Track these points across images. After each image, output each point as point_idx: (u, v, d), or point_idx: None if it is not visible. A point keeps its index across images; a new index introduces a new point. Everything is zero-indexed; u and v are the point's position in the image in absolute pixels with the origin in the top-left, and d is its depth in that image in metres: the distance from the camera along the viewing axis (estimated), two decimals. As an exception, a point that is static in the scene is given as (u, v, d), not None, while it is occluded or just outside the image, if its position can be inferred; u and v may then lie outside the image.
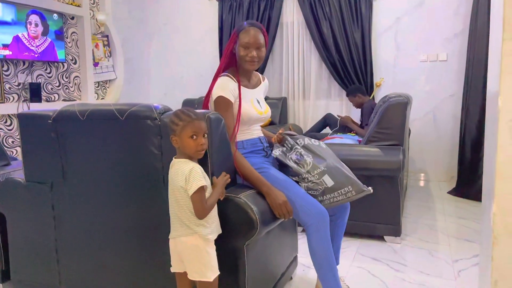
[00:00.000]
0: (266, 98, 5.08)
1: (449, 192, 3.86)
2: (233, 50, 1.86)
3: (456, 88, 4.19)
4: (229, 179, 1.54)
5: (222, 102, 1.76)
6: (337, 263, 2.00)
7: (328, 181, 1.74)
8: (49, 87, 4.35)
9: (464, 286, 2.07)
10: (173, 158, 1.46)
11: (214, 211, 1.46)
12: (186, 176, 1.37)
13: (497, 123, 1.09)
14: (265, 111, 1.94)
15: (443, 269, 2.26)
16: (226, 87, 1.78)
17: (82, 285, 1.80)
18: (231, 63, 1.89)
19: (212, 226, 1.44)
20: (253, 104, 1.88)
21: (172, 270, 1.48)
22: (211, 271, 1.41)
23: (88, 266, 1.77)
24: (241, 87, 1.85)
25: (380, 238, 2.68)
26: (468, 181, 3.79)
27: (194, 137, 1.39)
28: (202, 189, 1.37)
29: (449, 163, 4.28)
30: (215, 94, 1.77)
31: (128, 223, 1.66)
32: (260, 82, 2.02)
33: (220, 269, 1.52)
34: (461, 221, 3.08)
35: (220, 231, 1.49)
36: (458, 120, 4.09)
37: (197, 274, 1.41)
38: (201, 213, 1.38)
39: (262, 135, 1.98)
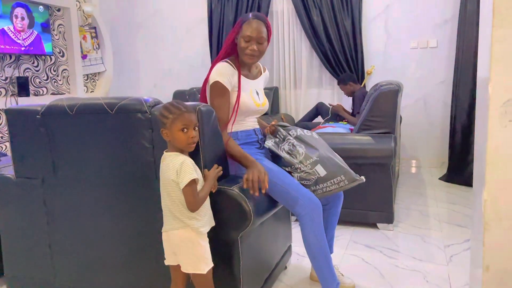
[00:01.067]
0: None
1: (440, 178, 3.90)
2: (235, 40, 1.83)
3: (446, 74, 4.20)
4: (221, 172, 1.53)
5: (218, 88, 1.73)
6: (331, 252, 2.01)
7: (321, 171, 1.74)
8: (37, 80, 4.28)
9: (456, 271, 2.10)
10: (164, 152, 1.45)
11: (207, 204, 1.45)
12: (177, 169, 1.36)
13: (487, 109, 1.10)
14: (263, 104, 1.92)
15: (435, 254, 2.30)
16: (225, 73, 1.75)
17: (77, 279, 1.80)
18: (232, 52, 1.86)
19: (204, 218, 1.43)
20: (252, 96, 1.85)
21: (166, 263, 1.48)
22: (205, 264, 1.42)
23: (82, 260, 1.76)
24: (242, 76, 1.82)
25: (373, 225, 2.71)
26: (459, 167, 3.83)
27: (185, 130, 1.38)
28: (193, 182, 1.37)
29: (440, 149, 4.32)
30: (212, 78, 1.75)
31: (121, 217, 1.65)
32: (261, 73, 1.99)
33: (214, 260, 1.52)
34: (453, 206, 3.11)
35: (213, 224, 1.49)
36: (449, 106, 4.11)
37: (190, 267, 1.42)
38: (193, 205, 1.38)
39: (257, 126, 1.95)
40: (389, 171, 2.58)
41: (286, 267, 2.17)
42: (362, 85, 4.33)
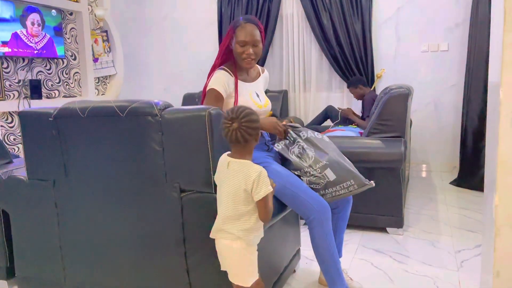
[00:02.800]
0: (266, 91, 5.06)
1: (451, 183, 3.86)
2: (229, 46, 1.85)
3: (457, 78, 4.17)
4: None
5: (212, 94, 1.79)
6: (340, 256, 2.01)
7: (330, 175, 1.74)
8: (49, 83, 4.34)
9: (466, 277, 2.07)
10: (226, 156, 1.42)
11: None
12: (254, 179, 1.33)
13: (498, 115, 1.09)
14: (265, 104, 1.93)
15: (446, 260, 2.27)
16: (220, 80, 1.80)
17: (87, 281, 1.81)
18: (228, 58, 1.89)
19: (260, 231, 1.43)
20: (252, 98, 1.87)
21: (222, 268, 1.47)
22: (251, 277, 1.41)
23: (93, 262, 1.78)
24: (239, 81, 1.85)
25: (383, 229, 2.69)
26: (470, 172, 3.78)
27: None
28: (270, 193, 1.35)
29: (450, 154, 4.28)
30: (208, 86, 1.81)
31: (131, 219, 1.67)
32: (260, 75, 2.01)
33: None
34: (463, 211, 3.08)
35: (262, 235, 1.47)
36: (460, 110, 4.07)
37: (236, 278, 1.41)
38: (268, 216, 1.37)
39: None
40: (399, 175, 2.56)
41: (294, 271, 2.17)
42: (372, 89, 4.31)
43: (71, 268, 1.83)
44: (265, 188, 1.33)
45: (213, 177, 1.49)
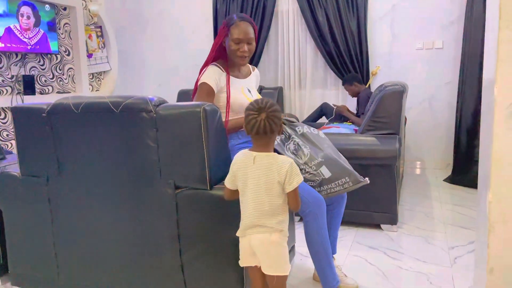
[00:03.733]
0: (261, 88, 5.04)
1: (445, 180, 3.88)
2: (222, 43, 1.87)
3: (452, 76, 4.18)
4: None
5: (203, 88, 1.81)
6: (334, 252, 2.01)
7: (326, 173, 1.74)
8: (43, 79, 4.31)
9: (460, 273, 2.09)
10: (248, 151, 1.41)
11: None
12: (287, 170, 1.34)
13: (493, 111, 1.09)
14: None
15: (439, 256, 2.29)
16: (212, 75, 1.83)
17: (81, 277, 1.81)
18: (220, 55, 1.91)
19: (288, 220, 1.44)
20: (244, 93, 1.91)
21: (242, 264, 1.46)
22: (287, 264, 1.42)
23: (86, 258, 1.77)
24: (231, 77, 1.89)
25: (377, 226, 2.70)
26: (464, 169, 3.81)
27: None
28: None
29: (445, 151, 4.30)
30: (200, 80, 1.84)
31: (125, 216, 1.66)
32: (251, 72, 2.05)
33: (219, 260, 1.53)
34: (457, 208, 3.10)
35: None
36: (454, 108, 4.09)
37: (273, 269, 1.40)
38: (299, 205, 1.41)
39: None
40: (393, 172, 2.57)
41: (289, 267, 2.17)
42: (367, 86, 4.32)
43: (65, 265, 1.82)
44: (297, 178, 1.36)
45: (208, 174, 1.49)
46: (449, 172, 4.02)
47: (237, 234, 1.44)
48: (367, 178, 1.79)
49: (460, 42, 4.00)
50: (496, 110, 1.08)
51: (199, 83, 1.83)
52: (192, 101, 1.84)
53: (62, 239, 1.80)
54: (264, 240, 1.38)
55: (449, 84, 4.21)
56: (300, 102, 4.85)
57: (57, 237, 1.81)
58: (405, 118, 3.84)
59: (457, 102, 3.95)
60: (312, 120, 4.29)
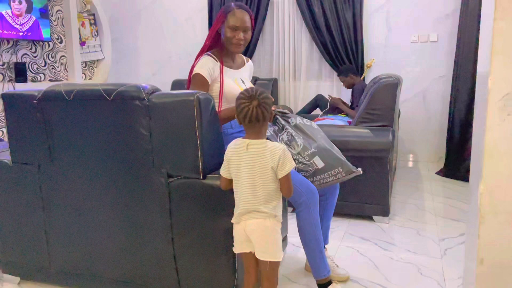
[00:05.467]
0: (256, 79, 5.01)
1: (437, 173, 3.91)
2: (218, 31, 1.87)
3: (446, 69, 4.19)
4: None
5: (197, 79, 1.81)
6: (327, 243, 2.03)
7: (319, 163, 1.74)
8: (35, 66, 4.25)
9: (450, 264, 2.11)
10: (241, 139, 1.42)
11: None
12: (280, 156, 1.36)
13: (487, 103, 1.09)
14: None
15: (430, 248, 2.31)
16: (205, 65, 1.82)
17: (73, 266, 1.80)
18: (216, 43, 1.91)
19: (281, 206, 1.46)
20: (237, 83, 1.91)
21: (236, 251, 1.48)
22: (280, 251, 1.44)
23: (78, 247, 1.76)
24: (225, 67, 1.89)
25: (369, 218, 2.71)
26: (456, 162, 3.83)
27: None
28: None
29: (437, 144, 4.32)
30: (194, 71, 1.83)
31: (117, 205, 1.65)
32: (245, 64, 2.05)
33: (211, 249, 1.53)
34: (448, 200, 3.13)
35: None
36: (448, 101, 4.10)
37: (268, 255, 1.42)
38: (292, 191, 1.43)
39: None
40: (386, 164, 2.58)
41: (281, 258, 2.18)
42: (361, 78, 4.32)
43: (56, 253, 1.82)
44: (290, 164, 1.38)
45: (201, 163, 1.48)
46: (441, 165, 4.05)
47: (232, 220, 1.45)
48: (360, 169, 1.79)
49: (455, 35, 4.01)
50: (490, 101, 1.08)
51: (192, 74, 1.83)
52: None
53: (53, 227, 1.79)
54: (259, 225, 1.39)
55: (443, 78, 4.22)
56: (295, 94, 4.84)
57: (48, 225, 1.80)
58: (399, 111, 3.85)
59: (451, 95, 3.97)
60: (307, 111, 4.29)
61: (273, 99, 1.44)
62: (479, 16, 3.41)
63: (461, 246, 2.31)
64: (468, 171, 3.30)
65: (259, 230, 1.40)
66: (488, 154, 1.10)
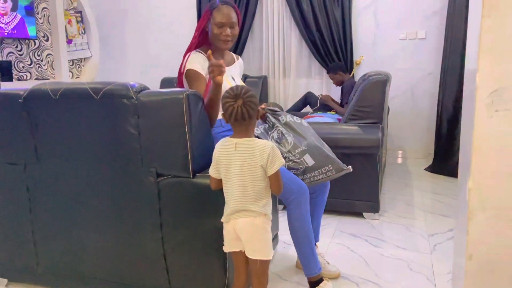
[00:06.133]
0: (246, 77, 5.00)
1: (426, 169, 3.94)
2: (205, 28, 1.85)
3: (434, 66, 4.23)
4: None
5: (192, 74, 1.79)
6: (317, 240, 2.03)
7: (309, 160, 1.74)
8: (21, 65, 4.19)
9: (439, 259, 2.13)
10: (229, 139, 1.41)
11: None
12: (269, 154, 1.35)
13: (475, 100, 1.10)
14: None
15: (420, 244, 2.33)
16: (196, 61, 1.80)
17: (60, 266, 1.78)
18: (203, 41, 1.89)
19: (271, 205, 1.44)
20: (228, 80, 1.87)
21: (226, 250, 1.46)
22: (271, 250, 1.43)
23: (66, 247, 1.74)
24: None
25: (359, 214, 2.73)
26: (444, 158, 3.87)
27: None
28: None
29: (426, 141, 4.36)
30: (186, 67, 1.80)
31: (106, 204, 1.63)
32: (234, 61, 2.03)
33: (202, 248, 1.52)
34: (437, 196, 3.15)
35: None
36: (436, 98, 4.14)
37: (258, 253, 1.41)
38: (281, 188, 1.42)
39: None
40: (376, 161, 2.59)
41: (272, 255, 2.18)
42: (351, 76, 4.33)
43: (44, 254, 1.79)
44: (279, 161, 1.37)
45: (191, 162, 1.47)
46: (430, 162, 4.09)
47: (222, 220, 1.43)
48: (350, 166, 1.80)
49: (443, 32, 4.04)
50: (478, 98, 1.09)
51: (185, 70, 1.80)
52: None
53: (41, 227, 1.77)
54: (248, 224, 1.39)
55: (431, 75, 4.26)
56: (285, 91, 4.84)
57: (36, 226, 1.77)
58: (388, 108, 3.87)
59: (439, 92, 4.00)
60: (297, 109, 4.29)
61: (257, 97, 1.42)
62: (467, 13, 3.45)
63: (450, 242, 2.34)
64: (456, 167, 3.33)
65: (248, 228, 1.39)
66: (476, 151, 1.11)
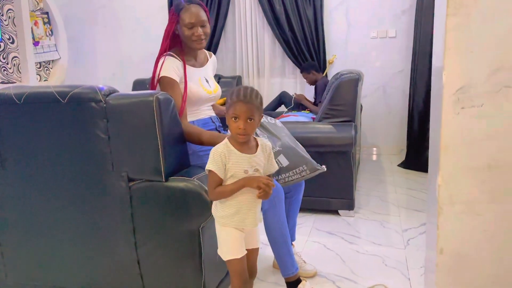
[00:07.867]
0: (220, 77, 4.96)
1: (399, 165, 4.02)
2: (175, 31, 1.80)
3: (405, 64, 4.31)
4: (268, 185, 1.30)
5: (166, 82, 1.73)
6: (293, 239, 2.03)
7: (283, 161, 1.74)
8: (-15, 68, 4.03)
9: (412, 254, 2.17)
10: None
11: (242, 202, 1.35)
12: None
13: (441, 97, 1.12)
14: (215, 90, 1.91)
15: (394, 239, 2.37)
16: (169, 66, 1.74)
17: (30, 276, 1.72)
18: (174, 44, 1.83)
19: (227, 212, 1.35)
20: (201, 84, 1.84)
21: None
22: (223, 253, 1.40)
23: (36, 257, 1.68)
24: (188, 66, 1.81)
25: (335, 212, 2.75)
26: (416, 154, 3.96)
27: (236, 119, 1.31)
28: (210, 172, 1.32)
29: (398, 137, 4.45)
30: (160, 75, 1.74)
31: (76, 211, 1.58)
32: (207, 60, 1.99)
33: (176, 253, 1.49)
34: (410, 192, 3.22)
35: (246, 226, 1.37)
36: (407, 95, 4.23)
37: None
38: (208, 194, 1.39)
39: (214, 114, 1.95)
40: (350, 159, 2.62)
41: (249, 256, 2.17)
42: (324, 74, 4.37)
43: (13, 265, 1.73)
44: (208, 164, 1.32)
45: (163, 165, 1.44)
46: (403, 157, 4.17)
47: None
48: (324, 166, 1.81)
49: (412, 31, 4.12)
50: (444, 95, 1.11)
51: (160, 76, 1.74)
52: None
53: (8, 238, 1.70)
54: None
55: (402, 72, 4.34)
56: (259, 91, 4.83)
57: (2, 235, 1.70)
58: (361, 106, 3.93)
59: (410, 89, 4.09)
60: (271, 109, 4.30)
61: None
62: (434, 11, 3.53)
63: (422, 236, 2.39)
64: (427, 162, 3.41)
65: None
66: (444, 147, 1.13)
